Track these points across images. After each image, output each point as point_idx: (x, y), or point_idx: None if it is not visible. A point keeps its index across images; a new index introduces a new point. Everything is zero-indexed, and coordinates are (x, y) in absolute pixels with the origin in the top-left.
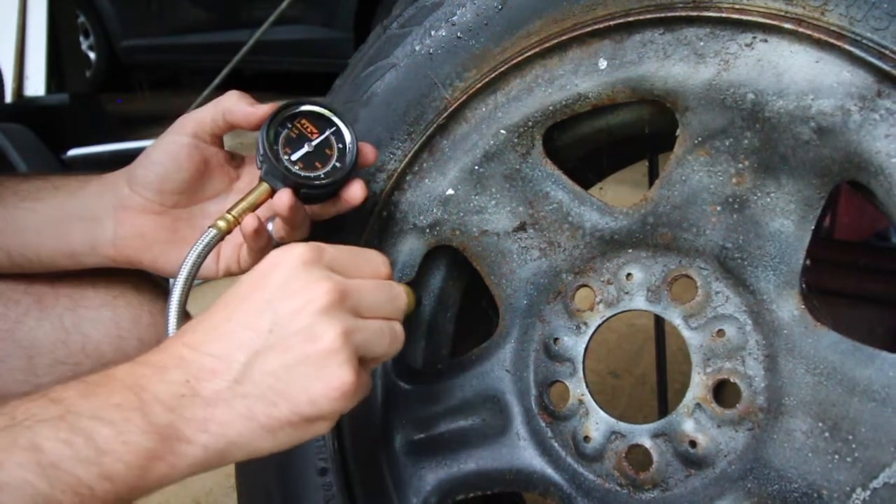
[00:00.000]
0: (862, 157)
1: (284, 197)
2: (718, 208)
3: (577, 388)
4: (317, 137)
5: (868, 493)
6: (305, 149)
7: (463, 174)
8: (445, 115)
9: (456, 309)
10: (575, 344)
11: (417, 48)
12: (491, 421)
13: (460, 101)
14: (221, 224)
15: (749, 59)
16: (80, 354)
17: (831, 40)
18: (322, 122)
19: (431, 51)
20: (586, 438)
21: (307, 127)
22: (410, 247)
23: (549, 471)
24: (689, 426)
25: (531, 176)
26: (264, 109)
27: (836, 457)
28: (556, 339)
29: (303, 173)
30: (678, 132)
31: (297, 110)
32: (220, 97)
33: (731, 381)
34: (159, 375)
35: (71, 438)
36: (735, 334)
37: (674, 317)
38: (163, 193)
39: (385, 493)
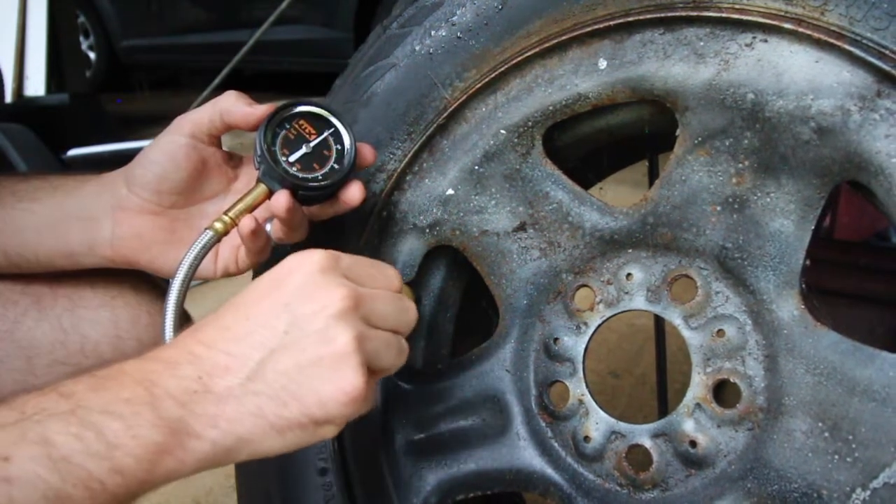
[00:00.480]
0: (862, 157)
1: (282, 198)
2: (718, 208)
3: (577, 388)
4: (315, 138)
5: (868, 493)
6: (303, 150)
7: (463, 174)
8: (445, 115)
9: (456, 309)
10: (575, 344)
11: (417, 48)
12: (491, 421)
13: (460, 101)
14: (218, 225)
15: (749, 59)
16: (78, 355)
17: (831, 40)
18: (320, 123)
19: (431, 51)
20: (586, 438)
21: (305, 128)
22: (410, 247)
23: (549, 471)
24: (689, 426)
25: (531, 176)
26: (262, 110)
27: (836, 457)
28: (556, 339)
29: (301, 174)
30: (678, 132)
31: (296, 111)
32: (218, 97)
33: (731, 381)
34: (171, 371)
35: (81, 433)
36: (735, 334)
37: (674, 317)
38: (160, 194)
39: (385, 493)
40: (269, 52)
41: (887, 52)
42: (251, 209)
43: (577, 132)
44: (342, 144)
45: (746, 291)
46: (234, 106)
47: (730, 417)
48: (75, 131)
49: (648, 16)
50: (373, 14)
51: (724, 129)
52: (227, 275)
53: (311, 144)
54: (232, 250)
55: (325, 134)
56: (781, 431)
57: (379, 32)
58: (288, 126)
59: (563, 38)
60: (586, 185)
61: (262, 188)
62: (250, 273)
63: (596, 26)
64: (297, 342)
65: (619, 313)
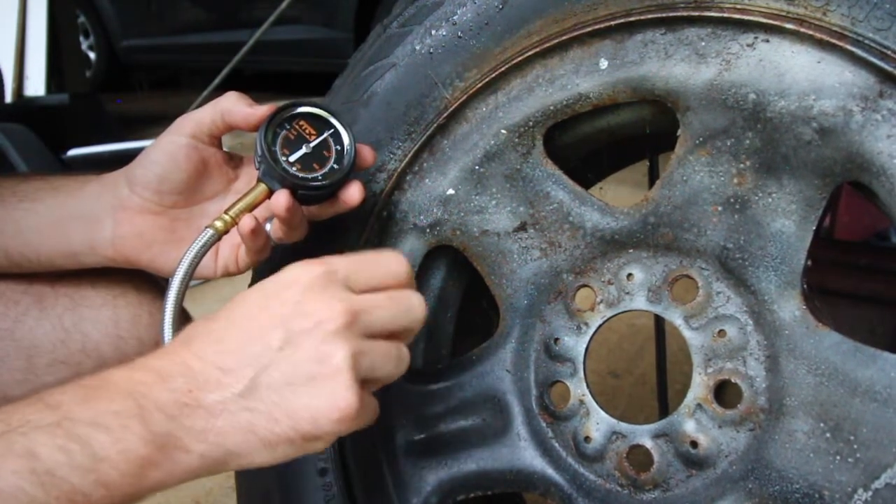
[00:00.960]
0: (864, 158)
1: (282, 198)
2: (720, 208)
3: (578, 389)
4: (315, 139)
5: (870, 493)
6: (303, 150)
7: (463, 174)
8: (446, 114)
9: (456, 309)
10: (575, 344)
11: (418, 48)
12: (491, 421)
13: (461, 100)
14: (218, 224)
15: (751, 59)
16: (79, 354)
17: (833, 41)
18: (320, 124)
19: (432, 50)
20: (587, 439)
21: (305, 128)
22: (411, 247)
23: (550, 471)
24: (690, 427)
25: (532, 176)
26: (263, 110)
27: (838, 457)
28: (556, 340)
29: (301, 174)
30: (679, 132)
31: (296, 111)
32: (219, 98)
33: (733, 381)
34: (161, 382)
35: (67, 445)
36: (736, 335)
37: (675, 317)
38: (161, 194)
39: (385, 493)
40: (269, 52)
41: (889, 52)
42: (251, 208)
43: (577, 132)
44: (342, 145)
45: (748, 292)
46: (234, 106)
47: (731, 418)
48: (75, 131)
49: (650, 16)
50: (373, 14)
51: (726, 130)
52: (227, 274)
53: (311, 145)
54: (232, 249)
55: (325, 134)
56: (783, 432)
57: (379, 32)
58: (288, 126)
59: (564, 37)
60: (587, 185)
61: (263, 188)
62: (250, 273)
63: (597, 26)
64: (291, 359)
65: (620, 313)
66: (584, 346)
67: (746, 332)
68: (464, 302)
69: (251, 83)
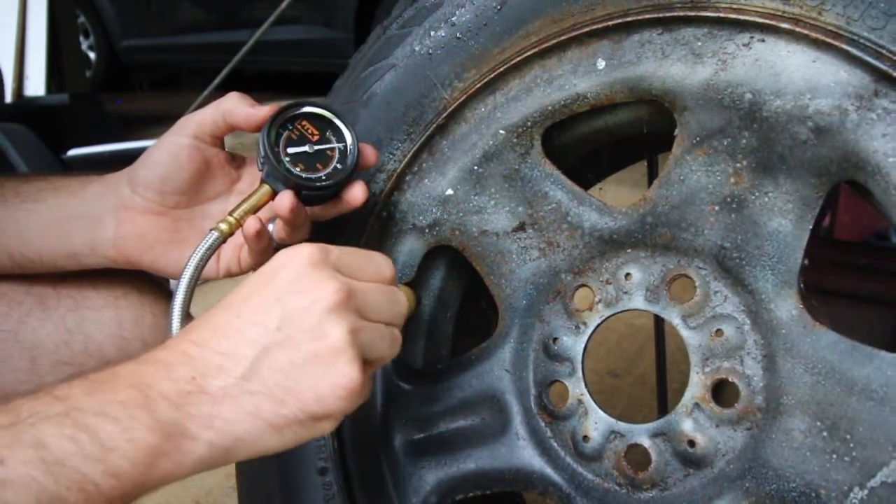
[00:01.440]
0: (859, 157)
1: (286, 199)
2: (717, 208)
3: (577, 388)
4: (318, 139)
5: (866, 492)
6: (306, 150)
7: (462, 174)
8: (445, 115)
9: (456, 309)
10: (574, 344)
11: (417, 49)
12: (490, 421)
13: (459, 101)
14: (223, 226)
15: (747, 58)
16: (82, 355)
17: (828, 40)
18: (323, 124)
19: (431, 51)
20: (585, 438)
21: (308, 128)
22: (410, 247)
23: (549, 470)
24: (687, 426)
25: (530, 176)
26: (265, 111)
27: (835, 456)
28: (555, 339)
29: (304, 175)
30: (676, 132)
31: (298, 112)
32: (221, 98)
33: (730, 380)
34: (165, 372)
35: (76, 435)
36: (733, 334)
37: (672, 316)
38: (163, 194)
39: (385, 493)
40: (269, 52)
41: (884, 51)
42: (255, 210)
43: (576, 132)
44: (345, 145)
45: (745, 291)
46: (237, 107)
47: (728, 417)
48: (75, 131)
49: (647, 16)
50: (373, 14)
51: (722, 129)
52: (230, 275)
53: (314, 145)
54: (234, 251)
55: (328, 134)
56: (780, 431)
57: (379, 33)
58: (291, 127)
59: (562, 38)
60: (587, 185)
61: (266, 189)
62: (250, 274)
63: (594, 26)
64: (291, 338)
65: (619, 313)
66: (583, 345)
67: (744, 331)
68: (463, 302)
69: (251, 83)
